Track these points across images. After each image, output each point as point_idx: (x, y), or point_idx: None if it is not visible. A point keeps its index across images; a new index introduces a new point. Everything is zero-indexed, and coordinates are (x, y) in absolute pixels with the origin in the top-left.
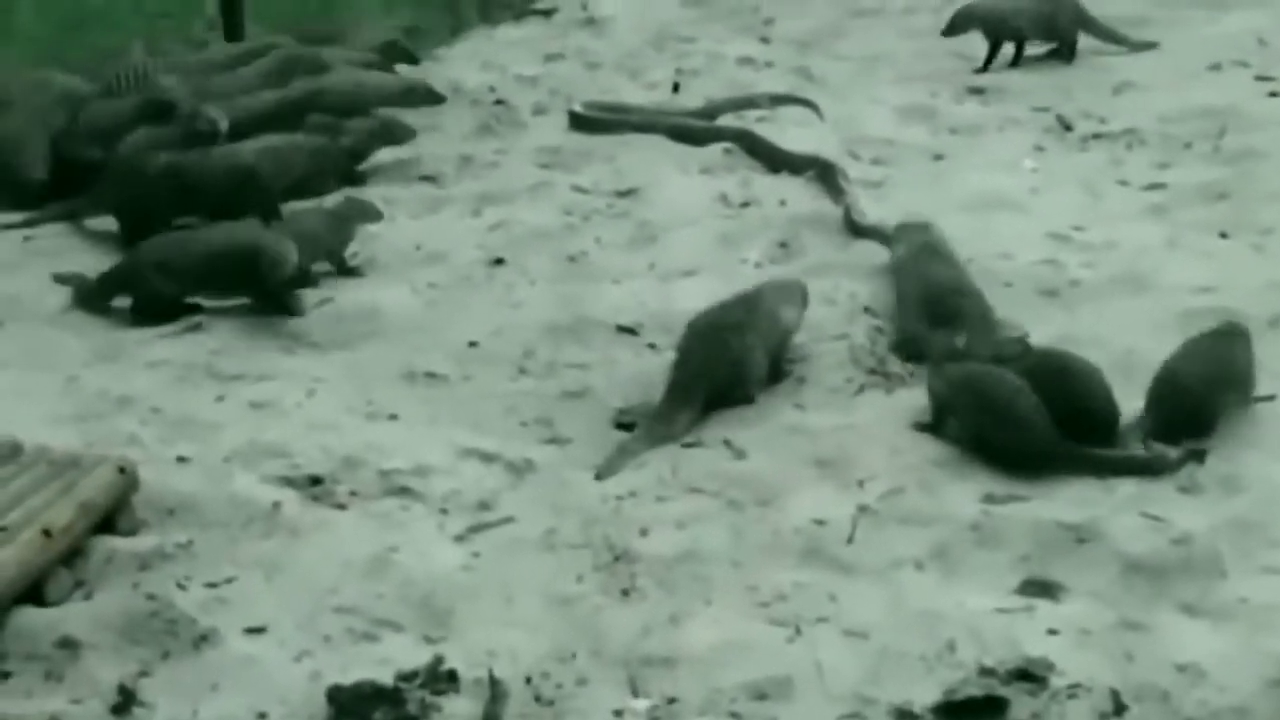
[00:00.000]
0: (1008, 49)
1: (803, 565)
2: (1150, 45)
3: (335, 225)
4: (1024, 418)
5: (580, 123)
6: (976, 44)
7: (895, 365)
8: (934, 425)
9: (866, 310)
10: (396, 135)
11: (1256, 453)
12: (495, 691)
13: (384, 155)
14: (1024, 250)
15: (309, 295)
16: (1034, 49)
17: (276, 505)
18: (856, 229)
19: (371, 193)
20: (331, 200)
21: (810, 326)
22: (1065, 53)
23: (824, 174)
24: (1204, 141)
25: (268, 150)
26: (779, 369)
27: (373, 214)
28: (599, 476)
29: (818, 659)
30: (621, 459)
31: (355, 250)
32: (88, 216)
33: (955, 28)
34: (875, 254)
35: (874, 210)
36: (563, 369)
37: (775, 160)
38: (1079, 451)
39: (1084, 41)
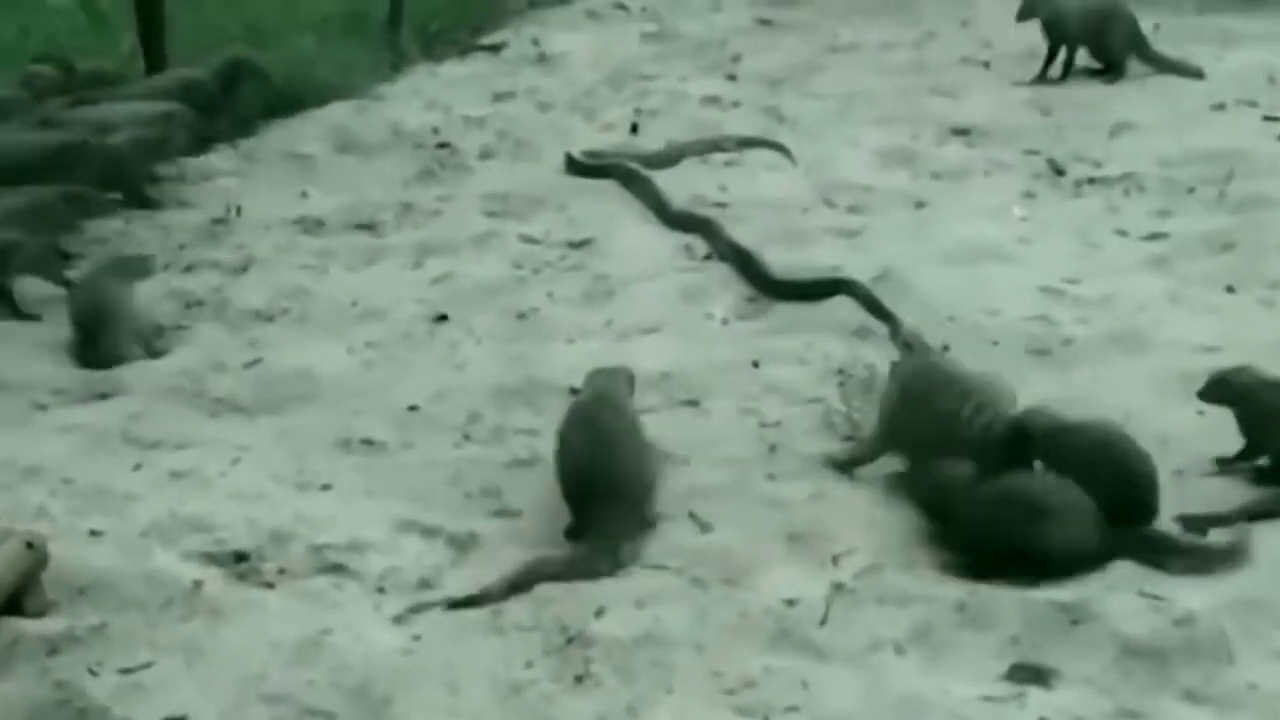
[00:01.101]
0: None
1: (773, 649)
2: (1198, 73)
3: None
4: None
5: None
6: (957, 81)
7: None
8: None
9: (840, 372)
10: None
11: (1263, 523)
12: None
13: (321, 202)
14: (1013, 305)
15: (239, 355)
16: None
17: (198, 584)
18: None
19: (307, 242)
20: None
21: (782, 389)
22: (1113, 72)
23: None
24: (1208, 187)
25: None
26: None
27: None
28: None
29: None
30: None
31: (286, 306)
32: None
33: (1024, 13)
34: (850, 311)
35: (851, 262)
36: (511, 435)
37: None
38: (1135, 544)
39: (1075, 78)
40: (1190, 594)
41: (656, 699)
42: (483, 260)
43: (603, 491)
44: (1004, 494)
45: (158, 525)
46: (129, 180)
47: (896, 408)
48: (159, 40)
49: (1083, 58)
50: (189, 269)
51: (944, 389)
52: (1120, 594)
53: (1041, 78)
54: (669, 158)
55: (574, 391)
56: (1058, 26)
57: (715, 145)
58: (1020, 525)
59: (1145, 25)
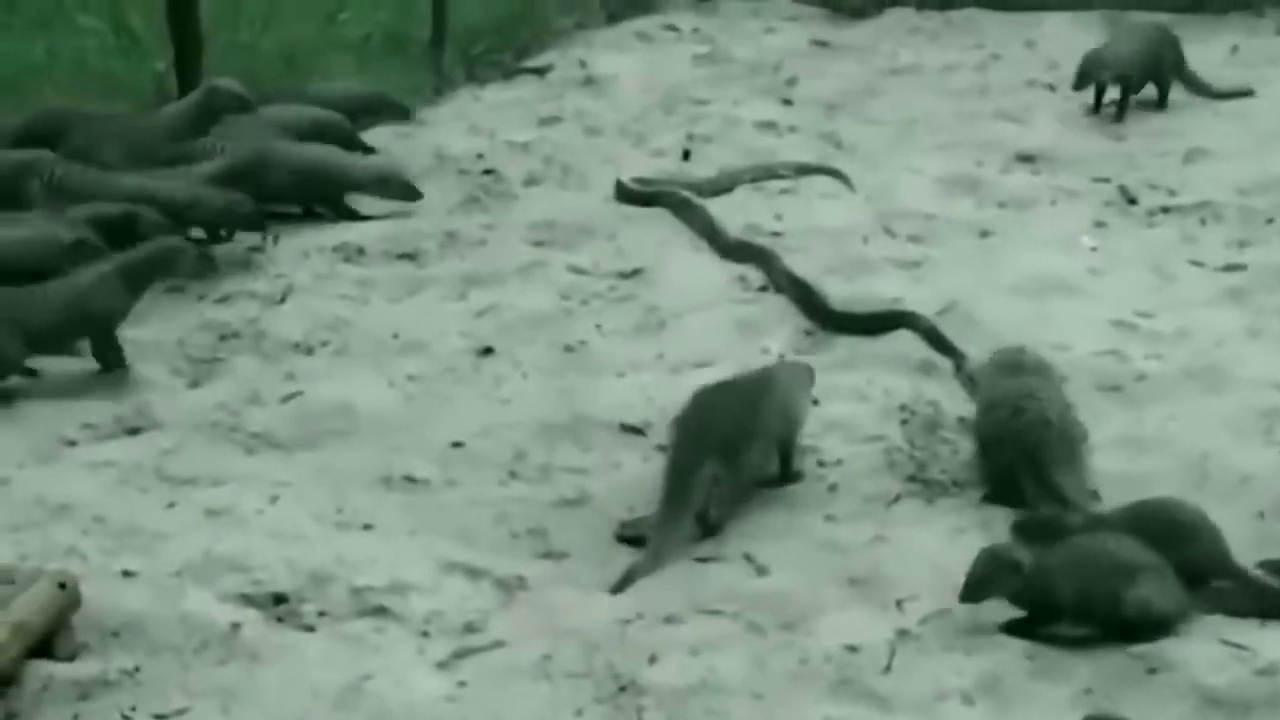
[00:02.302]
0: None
1: (833, 698)
2: (1246, 93)
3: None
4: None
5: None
6: (1023, 105)
7: (937, 471)
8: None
9: (903, 408)
10: None
11: None
12: None
13: (362, 230)
14: (1083, 340)
15: (276, 388)
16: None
17: (235, 626)
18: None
19: (348, 271)
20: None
21: (842, 426)
22: (1160, 98)
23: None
24: None
25: None
26: (788, 467)
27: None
28: (614, 590)
29: None
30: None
31: (325, 338)
32: None
33: (1085, 77)
34: (911, 345)
35: (913, 294)
36: (559, 473)
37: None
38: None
39: (1147, 101)
40: (1274, 642)
41: None
42: (529, 291)
43: None
44: (1083, 555)
45: (192, 565)
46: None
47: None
48: (194, 62)
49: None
50: (224, 299)
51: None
52: (1200, 642)
53: (1119, 118)
54: (722, 185)
55: (626, 429)
56: (1122, 79)
57: (770, 172)
58: (1107, 586)
59: (1222, 47)
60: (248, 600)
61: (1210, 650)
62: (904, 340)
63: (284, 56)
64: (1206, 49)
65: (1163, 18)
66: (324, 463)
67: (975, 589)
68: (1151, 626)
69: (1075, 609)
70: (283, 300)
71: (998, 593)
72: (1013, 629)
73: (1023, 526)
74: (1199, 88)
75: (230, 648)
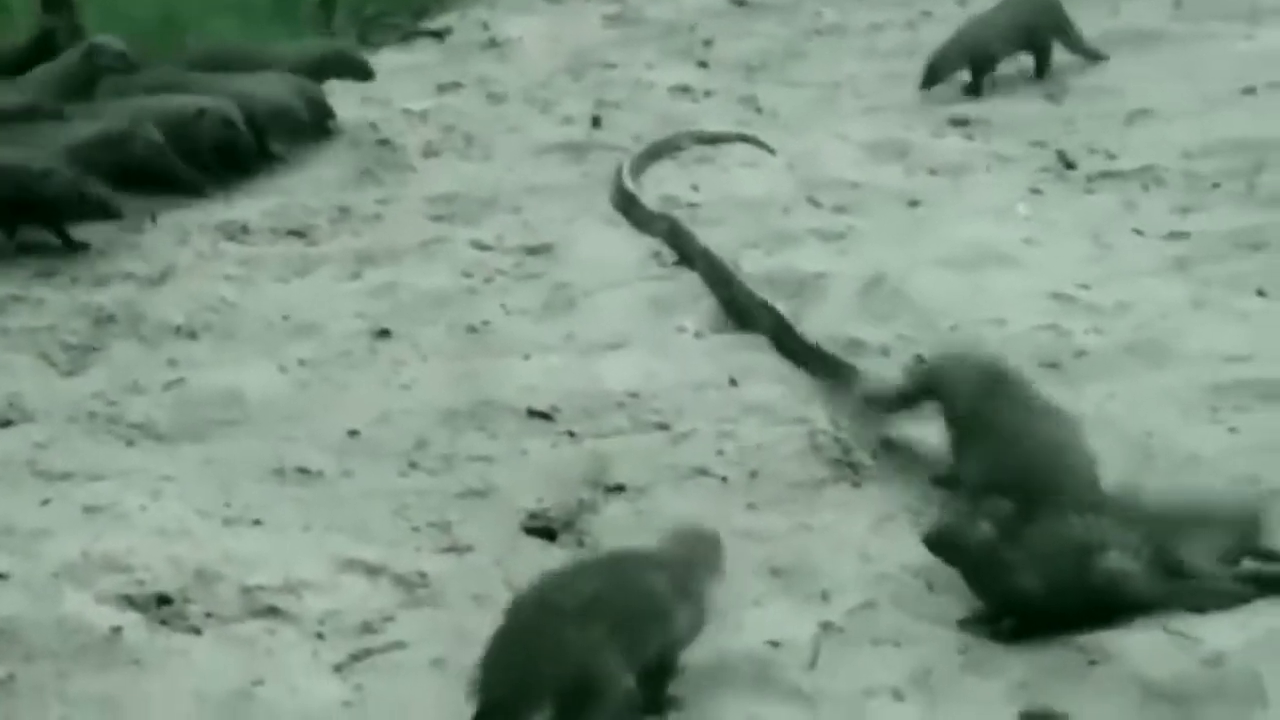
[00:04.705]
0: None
1: (755, 696)
2: (1101, 57)
3: None
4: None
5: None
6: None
7: (863, 455)
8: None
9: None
10: None
11: None
12: None
13: (246, 206)
14: (1019, 314)
15: (157, 376)
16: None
17: (116, 630)
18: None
19: (232, 250)
20: None
21: (762, 410)
22: (1039, 69)
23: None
24: (1235, 180)
25: None
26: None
27: None
28: None
29: None
30: None
31: (209, 321)
32: None
33: (932, 76)
34: (837, 323)
35: (839, 267)
36: (462, 462)
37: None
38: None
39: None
40: (1219, 632)
41: None
42: (428, 269)
43: None
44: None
45: (70, 566)
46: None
47: None
48: (66, 27)
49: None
50: (100, 282)
51: None
52: (1143, 632)
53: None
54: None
55: (533, 414)
56: (973, 62)
57: (686, 140)
58: (1080, 569)
59: (1167, 1)
60: (129, 602)
61: (1153, 640)
62: (828, 319)
63: (163, 18)
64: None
65: None
66: (210, 454)
67: (938, 541)
68: (1123, 603)
69: (1044, 595)
70: (162, 281)
71: (957, 558)
72: (974, 623)
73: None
74: (1086, 52)
75: (111, 653)
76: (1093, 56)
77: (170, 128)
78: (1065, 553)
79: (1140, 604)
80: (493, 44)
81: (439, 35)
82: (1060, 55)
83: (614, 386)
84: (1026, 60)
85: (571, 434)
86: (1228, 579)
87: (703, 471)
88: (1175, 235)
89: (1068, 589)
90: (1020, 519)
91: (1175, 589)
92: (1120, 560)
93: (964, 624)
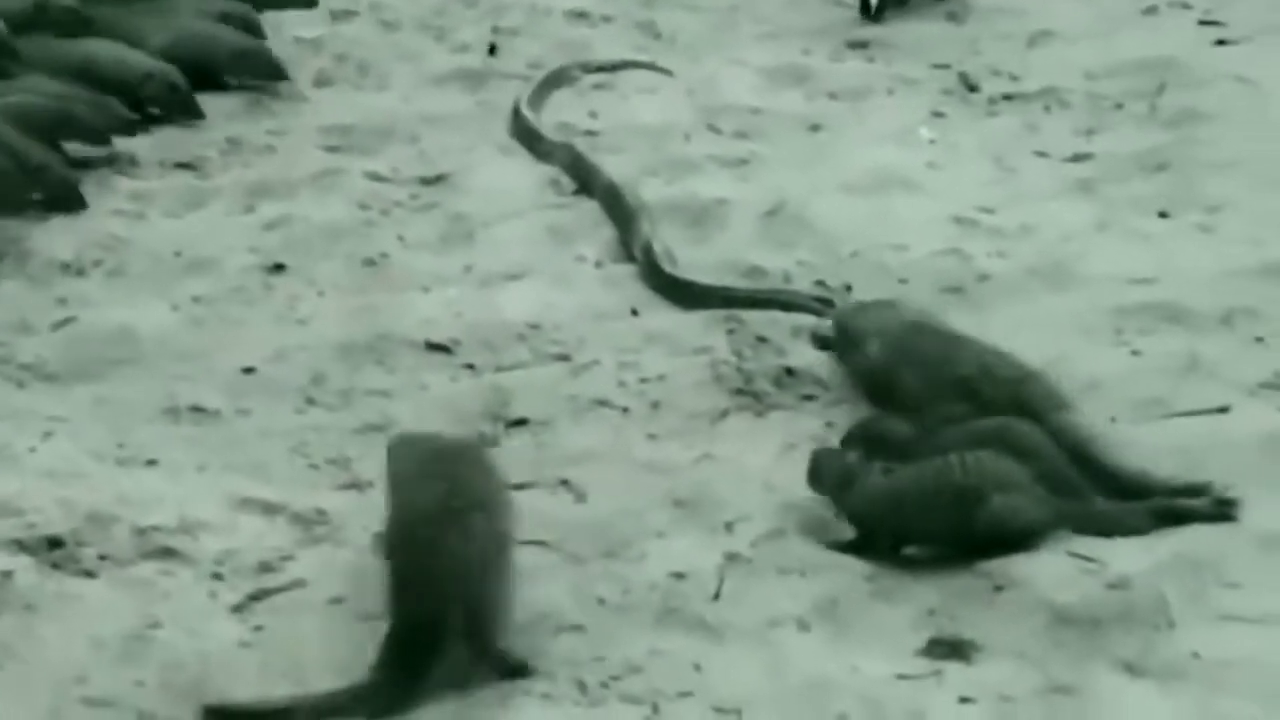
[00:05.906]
0: None
1: (660, 629)
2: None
3: None
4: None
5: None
6: None
7: (767, 383)
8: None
9: (729, 317)
10: None
11: (1203, 476)
12: None
13: (133, 138)
14: (922, 239)
15: (46, 314)
16: None
17: (7, 575)
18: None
19: (120, 184)
20: None
21: (664, 339)
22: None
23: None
24: (1138, 101)
25: None
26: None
27: None
28: None
29: None
30: None
31: (99, 257)
32: None
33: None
34: (739, 252)
35: (740, 193)
36: (361, 397)
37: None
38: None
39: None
40: (1125, 555)
41: (530, 688)
42: (323, 201)
43: None
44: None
45: None
46: None
47: None
48: None
49: None
50: None
51: None
52: (1048, 557)
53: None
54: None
55: (432, 347)
56: None
57: (583, 68)
58: (957, 509)
59: None
60: (20, 546)
61: (1059, 565)
62: (729, 245)
63: None
64: None
65: None
66: (102, 394)
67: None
68: (1009, 541)
69: (921, 534)
70: (49, 216)
71: (824, 493)
72: (846, 548)
73: (857, 438)
74: None
75: (2, 598)
76: None
77: (115, 90)
78: (943, 493)
79: (1033, 534)
80: None
81: None
82: None
83: (514, 318)
84: None
85: (471, 367)
86: (1134, 511)
87: (604, 403)
88: (1078, 157)
89: (945, 528)
90: (915, 442)
91: (1071, 512)
92: (1004, 501)
93: (832, 546)
